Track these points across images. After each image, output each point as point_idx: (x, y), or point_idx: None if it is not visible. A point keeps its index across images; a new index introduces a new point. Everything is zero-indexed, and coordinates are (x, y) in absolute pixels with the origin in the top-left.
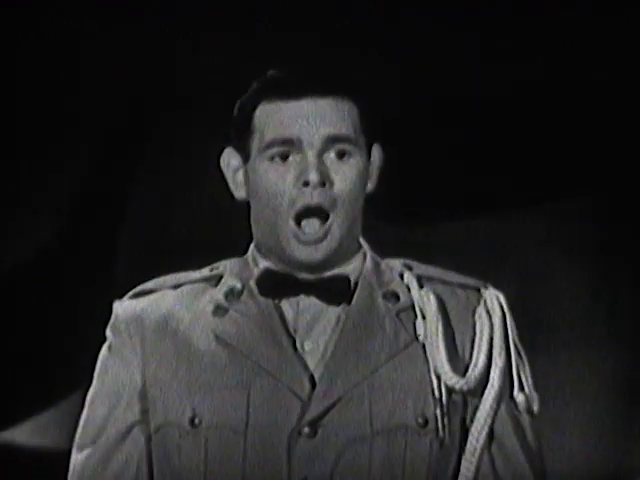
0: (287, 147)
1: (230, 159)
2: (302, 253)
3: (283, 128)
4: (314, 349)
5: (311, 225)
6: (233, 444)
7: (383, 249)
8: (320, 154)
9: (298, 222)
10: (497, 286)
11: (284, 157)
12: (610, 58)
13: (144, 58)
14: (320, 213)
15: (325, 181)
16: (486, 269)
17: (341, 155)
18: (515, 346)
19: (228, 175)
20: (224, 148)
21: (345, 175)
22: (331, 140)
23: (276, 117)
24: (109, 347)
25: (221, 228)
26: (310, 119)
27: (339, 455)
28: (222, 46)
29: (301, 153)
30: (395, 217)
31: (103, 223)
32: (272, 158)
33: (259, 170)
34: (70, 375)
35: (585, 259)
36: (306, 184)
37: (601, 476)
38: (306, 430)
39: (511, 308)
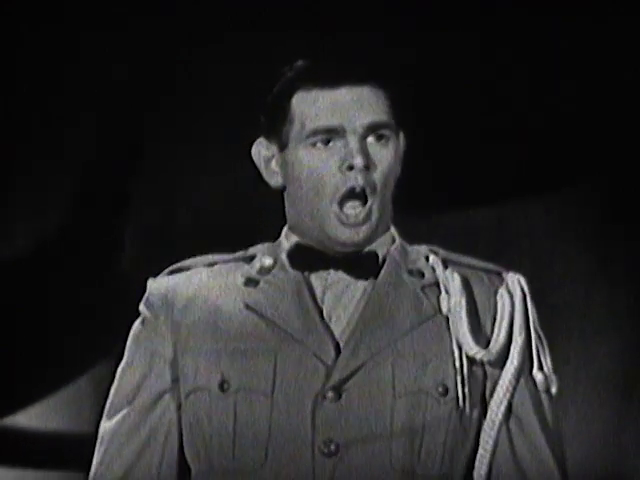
0: (329, 135)
1: (261, 149)
2: (344, 235)
3: (325, 117)
4: (340, 319)
5: (352, 208)
6: (260, 407)
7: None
8: (362, 139)
9: (341, 207)
10: None
11: (326, 142)
12: (611, 50)
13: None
14: (362, 196)
15: (369, 165)
16: (494, 259)
17: (380, 138)
18: (534, 327)
19: (261, 165)
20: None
21: (384, 158)
22: (372, 127)
23: (316, 106)
24: (142, 321)
25: (246, 217)
26: (351, 107)
27: (362, 418)
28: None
29: (343, 139)
30: (407, 206)
31: (107, 214)
32: (314, 144)
33: (300, 156)
34: (76, 360)
35: (594, 246)
36: (350, 168)
37: (601, 476)
38: (330, 394)
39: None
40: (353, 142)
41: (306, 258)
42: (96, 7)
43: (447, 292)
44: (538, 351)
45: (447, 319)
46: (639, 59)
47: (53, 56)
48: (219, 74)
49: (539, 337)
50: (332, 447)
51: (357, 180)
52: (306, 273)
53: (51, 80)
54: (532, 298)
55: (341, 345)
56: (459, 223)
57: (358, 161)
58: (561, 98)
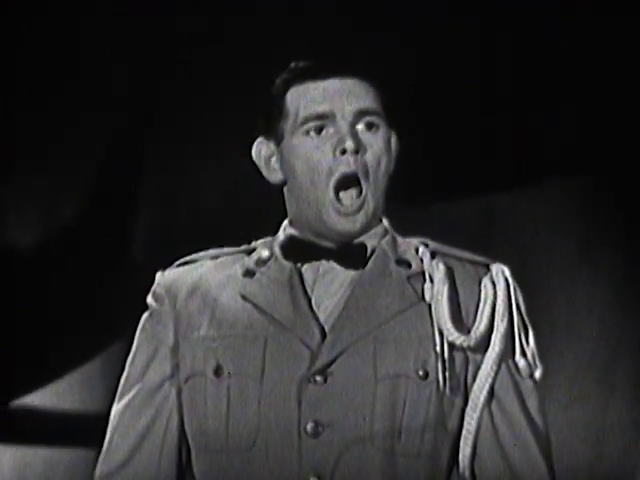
0: (321, 121)
1: (261, 148)
2: (341, 225)
3: (316, 104)
4: (328, 306)
5: (348, 197)
6: (251, 391)
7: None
8: (352, 125)
9: (336, 194)
10: None
11: (319, 130)
12: (611, 50)
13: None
14: (356, 182)
15: (359, 148)
16: (486, 251)
17: (370, 126)
18: (520, 315)
19: (261, 164)
20: (253, 140)
21: (375, 144)
22: (361, 113)
23: (308, 96)
24: (149, 312)
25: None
26: (341, 95)
27: (346, 400)
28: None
29: (335, 125)
30: (403, 199)
31: (108, 215)
32: (307, 132)
33: (295, 145)
34: (88, 342)
35: (580, 238)
36: (343, 152)
37: (585, 460)
38: (315, 378)
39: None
40: (344, 127)
41: (298, 250)
42: (96, 7)
43: (431, 281)
44: (521, 338)
45: (430, 307)
46: (639, 59)
47: (53, 56)
48: (219, 74)
49: (524, 324)
50: (318, 428)
51: (349, 164)
52: (299, 264)
53: (51, 80)
54: (520, 288)
55: (326, 330)
56: (454, 216)
57: (349, 144)
58: (561, 98)
